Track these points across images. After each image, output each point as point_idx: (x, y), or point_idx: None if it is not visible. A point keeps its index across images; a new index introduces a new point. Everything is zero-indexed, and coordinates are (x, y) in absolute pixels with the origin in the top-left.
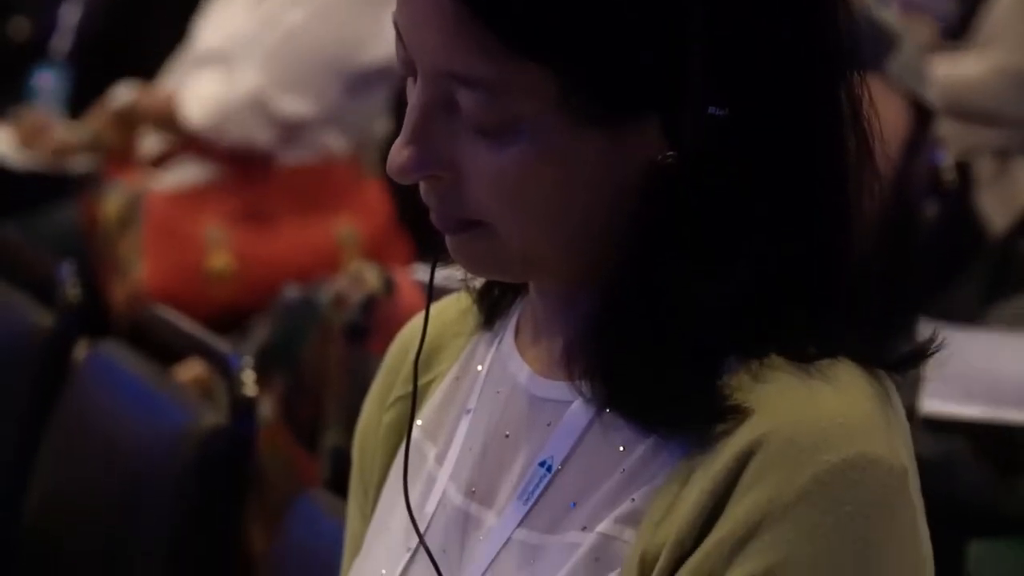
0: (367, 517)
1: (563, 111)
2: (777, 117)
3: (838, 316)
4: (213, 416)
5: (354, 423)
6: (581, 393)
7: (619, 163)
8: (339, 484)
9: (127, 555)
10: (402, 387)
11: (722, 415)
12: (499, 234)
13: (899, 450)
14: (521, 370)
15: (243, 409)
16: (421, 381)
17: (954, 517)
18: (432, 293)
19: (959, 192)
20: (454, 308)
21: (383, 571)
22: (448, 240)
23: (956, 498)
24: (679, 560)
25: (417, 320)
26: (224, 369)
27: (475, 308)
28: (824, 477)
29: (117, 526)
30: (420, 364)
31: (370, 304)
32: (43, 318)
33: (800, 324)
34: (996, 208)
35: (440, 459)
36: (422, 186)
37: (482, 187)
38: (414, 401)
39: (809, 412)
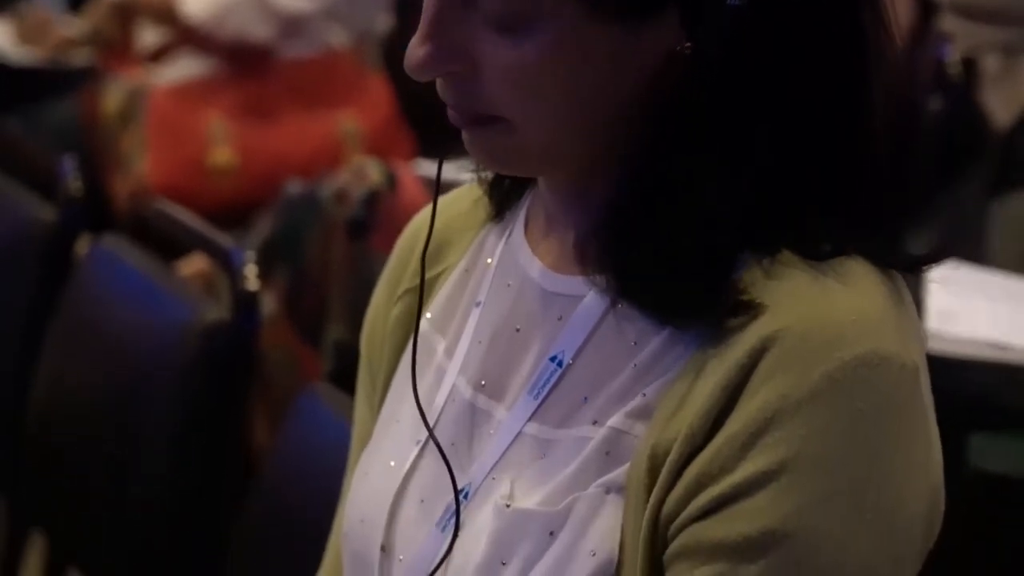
0: (375, 410)
1: (582, 4)
2: (795, 8)
3: (851, 213)
4: (215, 311)
5: (357, 317)
6: (594, 285)
7: (636, 54)
8: (342, 378)
9: (130, 450)
10: (410, 280)
11: (735, 310)
12: (516, 128)
13: (910, 347)
14: (532, 264)
15: (245, 304)
16: (430, 274)
17: (956, 410)
18: (440, 186)
19: (964, 88)
20: (462, 201)
21: (392, 463)
22: (464, 135)
23: (959, 391)
24: (690, 455)
25: (426, 212)
26: (226, 264)
27: (485, 200)
28: (836, 374)
29: (120, 421)
30: (428, 257)
31: (372, 199)
32: (45, 212)
33: (813, 221)
34: (1001, 105)
35: (449, 352)
36: (439, 83)
37: (499, 81)
38: (422, 293)
39: (822, 309)
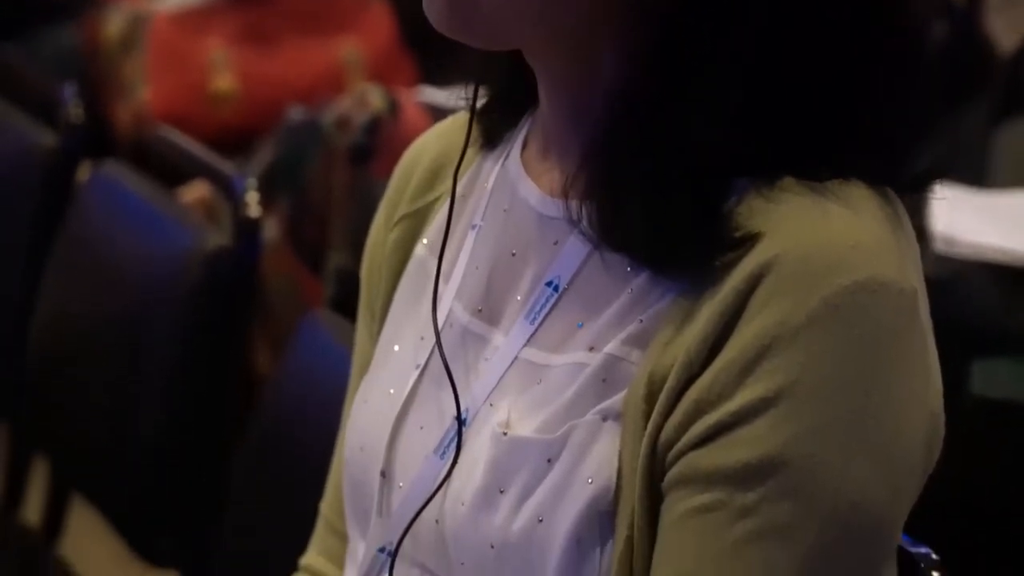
0: (374, 336)
1: None
2: None
3: (850, 137)
4: (217, 237)
5: (358, 244)
6: (576, 223)
7: None
8: (344, 305)
9: (131, 377)
10: (407, 205)
11: (728, 246)
12: None
13: (910, 272)
14: (527, 188)
15: (247, 230)
16: (425, 199)
17: (958, 335)
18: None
19: (968, 14)
20: (459, 126)
21: (391, 390)
22: None
23: (961, 317)
24: (687, 381)
25: (423, 138)
26: (228, 190)
27: (479, 125)
28: (835, 300)
29: (121, 347)
30: (424, 182)
31: (374, 126)
32: (46, 138)
33: (812, 145)
34: (1005, 31)
35: (446, 277)
36: None
37: None
38: (451, 212)
39: (821, 234)
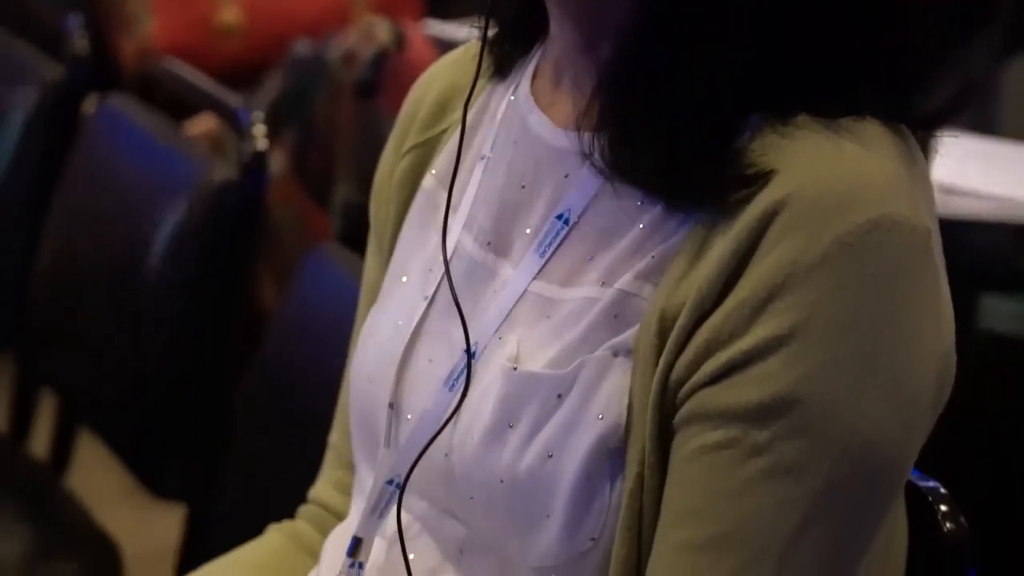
0: (383, 267)
1: None
2: None
3: (864, 71)
4: (224, 170)
5: (365, 178)
6: (588, 155)
7: None
8: (350, 238)
9: (136, 310)
10: (416, 136)
11: (739, 183)
12: None
13: (922, 210)
14: (538, 120)
15: (254, 163)
16: (434, 130)
17: (966, 271)
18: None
19: None
20: (469, 57)
21: (399, 322)
22: None
23: (968, 252)
24: (699, 319)
25: (432, 69)
26: (235, 123)
27: (488, 56)
28: (848, 238)
29: (126, 281)
30: (433, 113)
31: (380, 59)
32: (52, 71)
33: (825, 80)
34: None
35: (454, 208)
36: None
37: None
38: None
39: (834, 172)
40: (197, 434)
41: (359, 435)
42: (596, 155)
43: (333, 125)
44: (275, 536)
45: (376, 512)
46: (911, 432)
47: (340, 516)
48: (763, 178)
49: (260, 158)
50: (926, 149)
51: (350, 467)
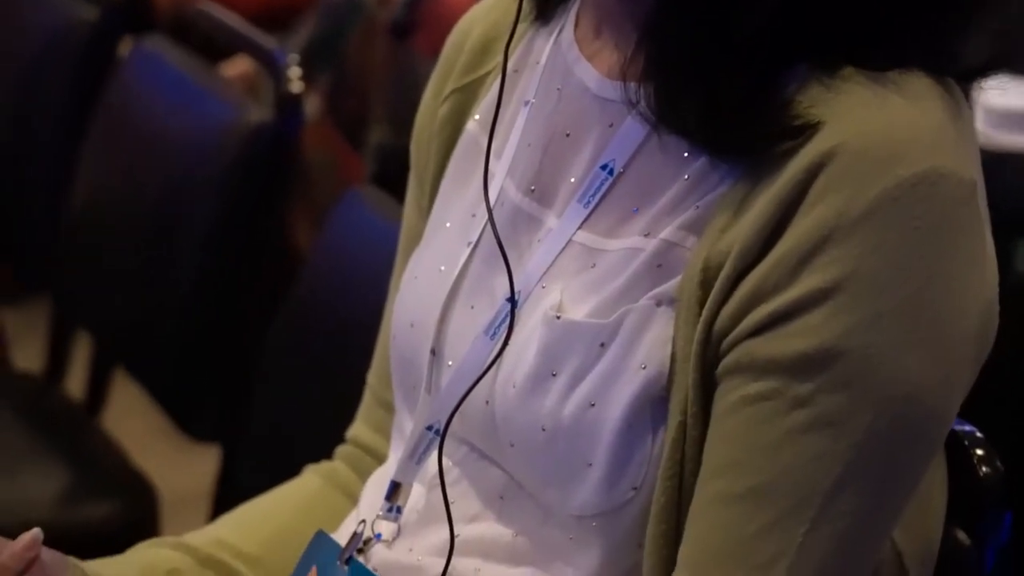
0: (424, 212)
1: None
2: None
3: (910, 24)
4: (258, 112)
5: (399, 120)
6: (634, 104)
7: None
8: (384, 181)
9: (171, 252)
10: (457, 80)
11: (786, 133)
12: None
13: (968, 163)
14: (582, 67)
15: (288, 105)
16: (476, 74)
17: (1003, 215)
18: None
19: None
20: (509, 0)
21: (441, 267)
22: None
23: (1005, 196)
24: (744, 270)
25: (473, 12)
26: (270, 65)
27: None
28: (894, 192)
29: (161, 222)
30: (474, 57)
31: (415, 1)
32: (87, 13)
33: (872, 33)
34: None
35: (497, 154)
36: None
37: None
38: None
39: (881, 125)
40: (231, 376)
41: (399, 380)
42: (642, 104)
43: (367, 67)
44: (312, 477)
45: (415, 458)
46: (953, 386)
47: (377, 457)
48: (809, 129)
49: (295, 100)
50: (970, 101)
51: (388, 408)
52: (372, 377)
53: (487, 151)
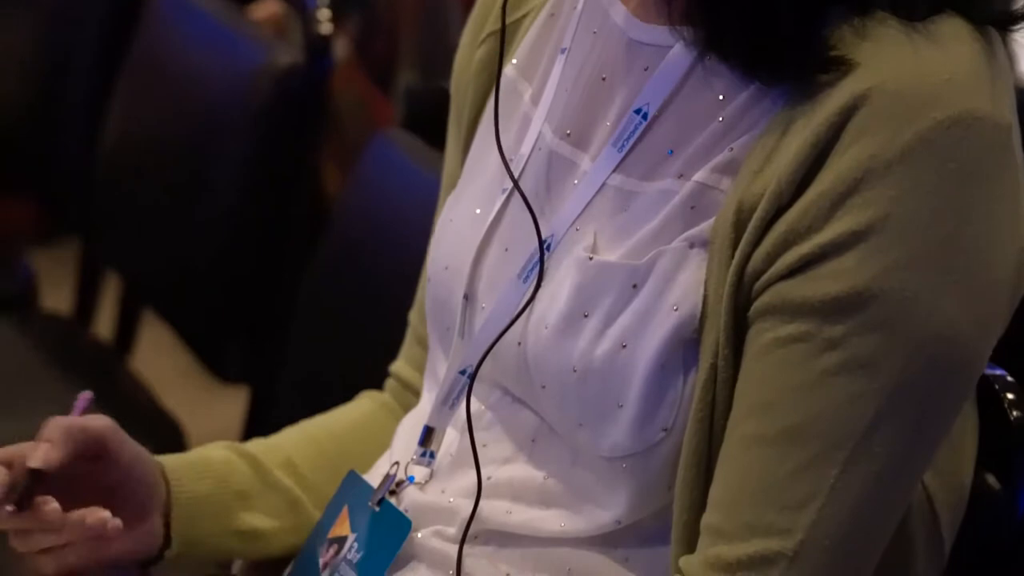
0: (462, 155)
1: None
2: None
3: None
4: (288, 54)
5: (428, 63)
6: (680, 36)
7: None
8: (414, 125)
9: (201, 193)
10: (493, 23)
11: (824, 65)
12: None
13: (1004, 106)
14: (618, 11)
15: (318, 47)
16: (512, 17)
17: None
18: None
19: None
20: None
21: (477, 211)
22: None
23: None
24: (777, 212)
25: None
26: (299, 7)
27: None
28: (929, 134)
29: (191, 164)
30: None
31: None
32: None
33: None
34: None
35: (535, 99)
36: None
37: None
38: (502, 40)
39: (916, 67)
40: (260, 317)
41: (434, 322)
42: (687, 31)
43: (397, 10)
44: (366, 401)
45: (448, 402)
46: (986, 329)
47: (416, 394)
48: (844, 67)
49: (324, 42)
50: (1007, 46)
51: (425, 347)
52: (413, 315)
53: (496, 117)
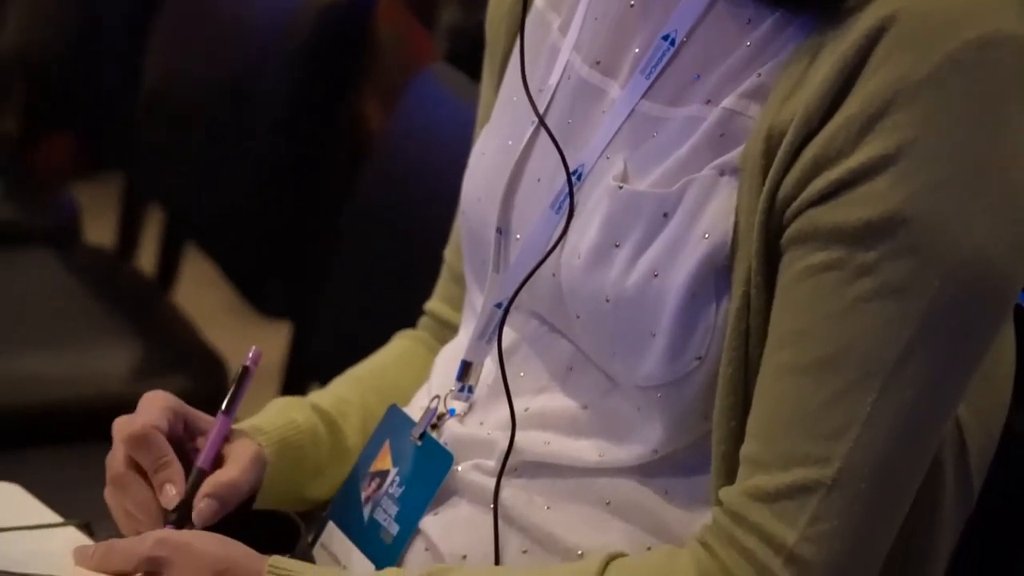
0: (497, 89)
1: None
2: None
3: None
4: None
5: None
6: None
7: None
8: (455, 60)
9: (244, 127)
10: None
11: None
12: None
13: None
14: None
15: None
16: None
17: None
18: None
19: None
20: None
21: (509, 142)
22: None
23: None
24: (806, 137)
25: None
26: None
27: None
28: (958, 55)
29: (234, 99)
30: None
31: None
32: None
33: None
34: None
35: (564, 29)
36: None
37: None
38: None
39: None
40: (301, 252)
41: (469, 256)
42: None
43: None
44: (403, 340)
45: (485, 336)
46: (1020, 251)
47: (454, 330)
48: None
49: None
50: None
51: (461, 283)
52: (448, 252)
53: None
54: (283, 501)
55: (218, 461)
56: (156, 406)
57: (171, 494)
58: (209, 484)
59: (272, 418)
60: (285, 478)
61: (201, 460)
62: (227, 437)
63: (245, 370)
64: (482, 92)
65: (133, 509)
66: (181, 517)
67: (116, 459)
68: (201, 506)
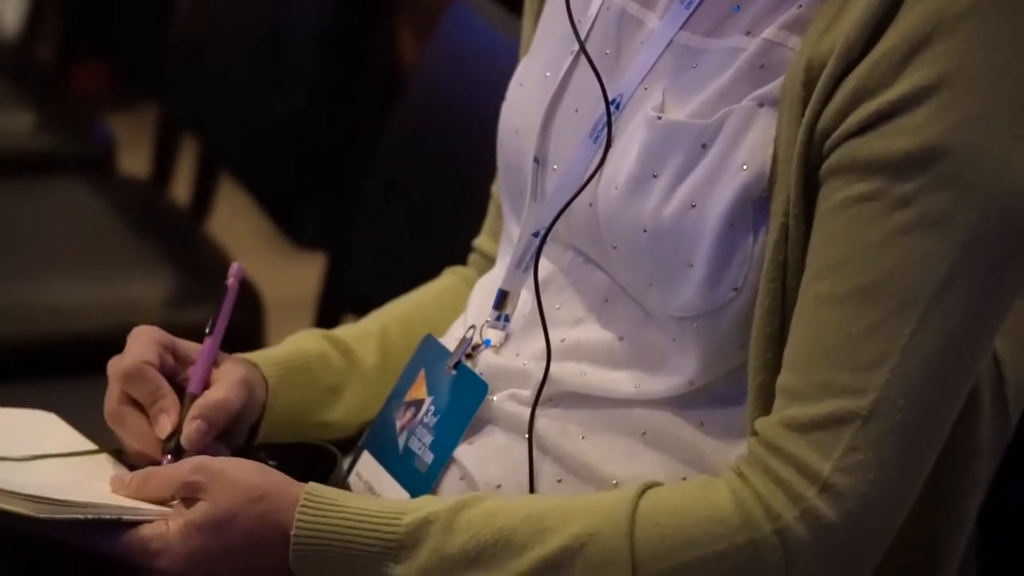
0: (536, 20)
1: None
2: None
3: None
4: None
5: None
6: None
7: None
8: None
9: (278, 58)
10: None
11: None
12: None
13: None
14: None
15: None
16: None
17: None
18: None
19: None
20: None
21: (547, 74)
22: None
23: None
24: (846, 68)
25: None
26: None
27: None
28: None
29: (268, 29)
30: None
31: None
32: None
33: None
34: None
35: None
36: None
37: None
38: None
39: None
40: (337, 182)
41: (506, 187)
42: None
43: None
44: (450, 276)
45: (522, 265)
46: None
47: None
48: None
49: None
50: None
51: None
52: (495, 188)
53: None
54: (300, 426)
55: (210, 385)
56: (145, 341)
57: (165, 423)
58: (196, 407)
59: (280, 347)
60: (295, 399)
61: (192, 386)
62: (216, 361)
63: (226, 288)
64: (523, 24)
65: (134, 443)
66: (178, 445)
67: (111, 397)
68: (189, 429)
